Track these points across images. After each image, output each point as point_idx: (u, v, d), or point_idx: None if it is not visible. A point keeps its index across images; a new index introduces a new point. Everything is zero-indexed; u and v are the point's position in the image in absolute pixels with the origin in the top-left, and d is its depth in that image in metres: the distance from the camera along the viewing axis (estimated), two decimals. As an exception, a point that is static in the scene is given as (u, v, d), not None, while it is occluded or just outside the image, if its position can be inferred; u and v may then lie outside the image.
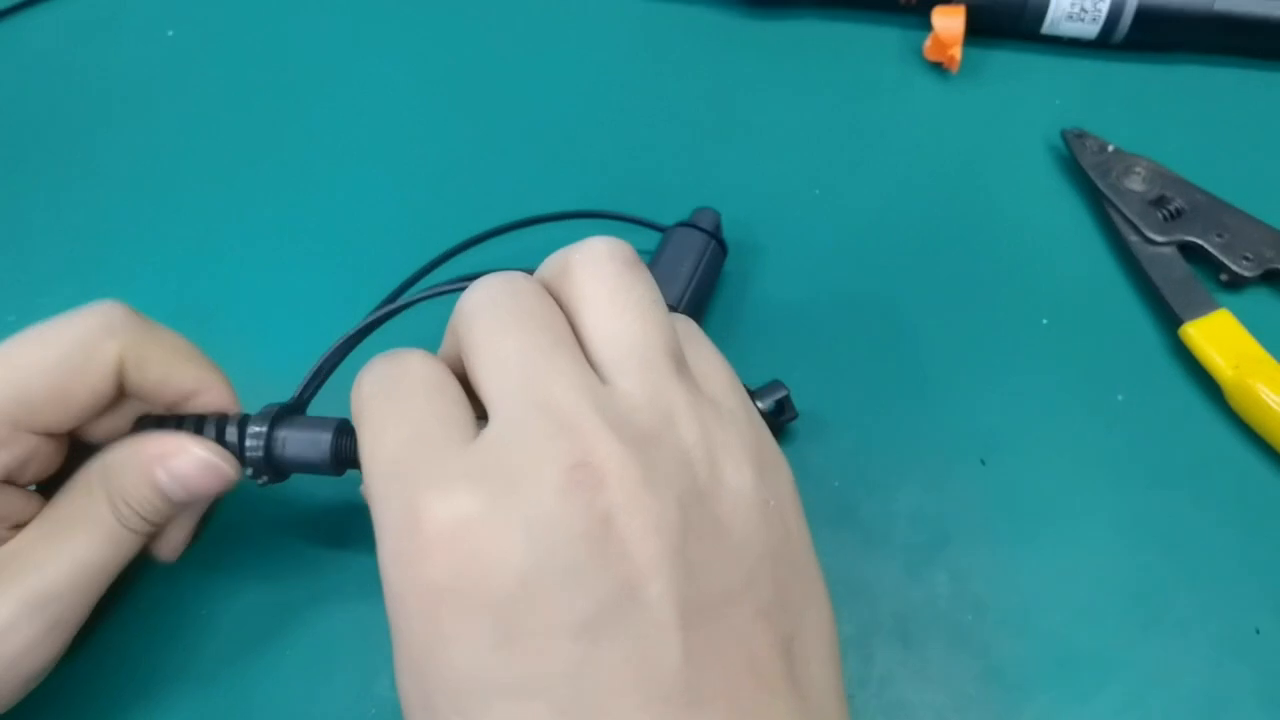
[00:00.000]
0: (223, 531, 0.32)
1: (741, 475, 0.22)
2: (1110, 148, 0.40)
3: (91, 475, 0.26)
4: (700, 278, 0.36)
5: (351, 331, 0.30)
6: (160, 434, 0.27)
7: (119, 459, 0.26)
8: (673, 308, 0.34)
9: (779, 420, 0.33)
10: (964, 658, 0.31)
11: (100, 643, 0.30)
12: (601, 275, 0.23)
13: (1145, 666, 0.30)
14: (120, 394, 0.26)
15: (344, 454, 0.27)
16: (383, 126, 0.44)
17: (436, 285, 0.29)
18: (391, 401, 0.23)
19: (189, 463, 0.26)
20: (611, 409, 0.21)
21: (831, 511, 0.33)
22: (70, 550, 0.25)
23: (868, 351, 0.37)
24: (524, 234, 0.39)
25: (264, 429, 0.27)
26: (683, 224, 0.37)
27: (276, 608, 0.31)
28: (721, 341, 0.37)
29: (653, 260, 0.37)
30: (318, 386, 0.29)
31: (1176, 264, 0.36)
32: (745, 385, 0.32)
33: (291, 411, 0.28)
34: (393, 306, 0.29)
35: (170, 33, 0.49)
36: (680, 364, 0.23)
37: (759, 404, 0.32)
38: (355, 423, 0.24)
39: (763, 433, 0.25)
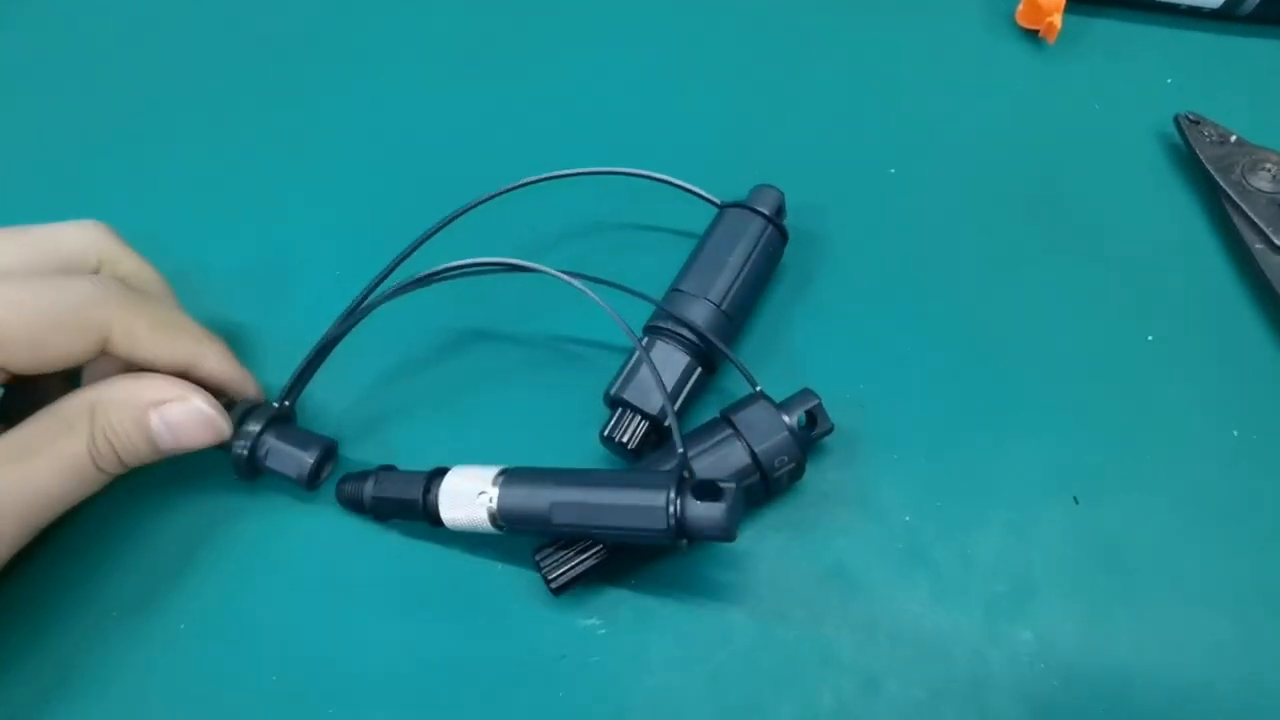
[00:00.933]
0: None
1: None
2: (1233, 138, 0.34)
3: (74, 408, 0.26)
4: (752, 269, 0.31)
5: (331, 329, 0.29)
6: (161, 379, 0.27)
7: (114, 397, 0.26)
8: (715, 304, 0.29)
9: (810, 435, 0.28)
10: (1049, 734, 0.26)
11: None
12: None
13: (1262, 764, 0.26)
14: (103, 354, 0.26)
15: (321, 475, 0.29)
16: (425, 70, 0.40)
17: (407, 280, 0.29)
18: None
19: (187, 412, 0.27)
20: None
21: (900, 552, 0.29)
22: (31, 478, 0.25)
23: (945, 366, 0.32)
24: (558, 187, 0.33)
25: (256, 429, 0.28)
26: (737, 204, 0.32)
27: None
28: (772, 346, 0.33)
29: (699, 244, 0.32)
30: (300, 390, 0.30)
31: (1311, 280, 0.31)
32: (769, 396, 0.28)
33: (283, 418, 0.29)
34: (369, 303, 0.29)
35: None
36: None
37: (785, 416, 0.27)
38: None
39: None
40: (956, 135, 0.37)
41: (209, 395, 0.27)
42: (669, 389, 0.29)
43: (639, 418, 0.29)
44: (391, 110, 0.39)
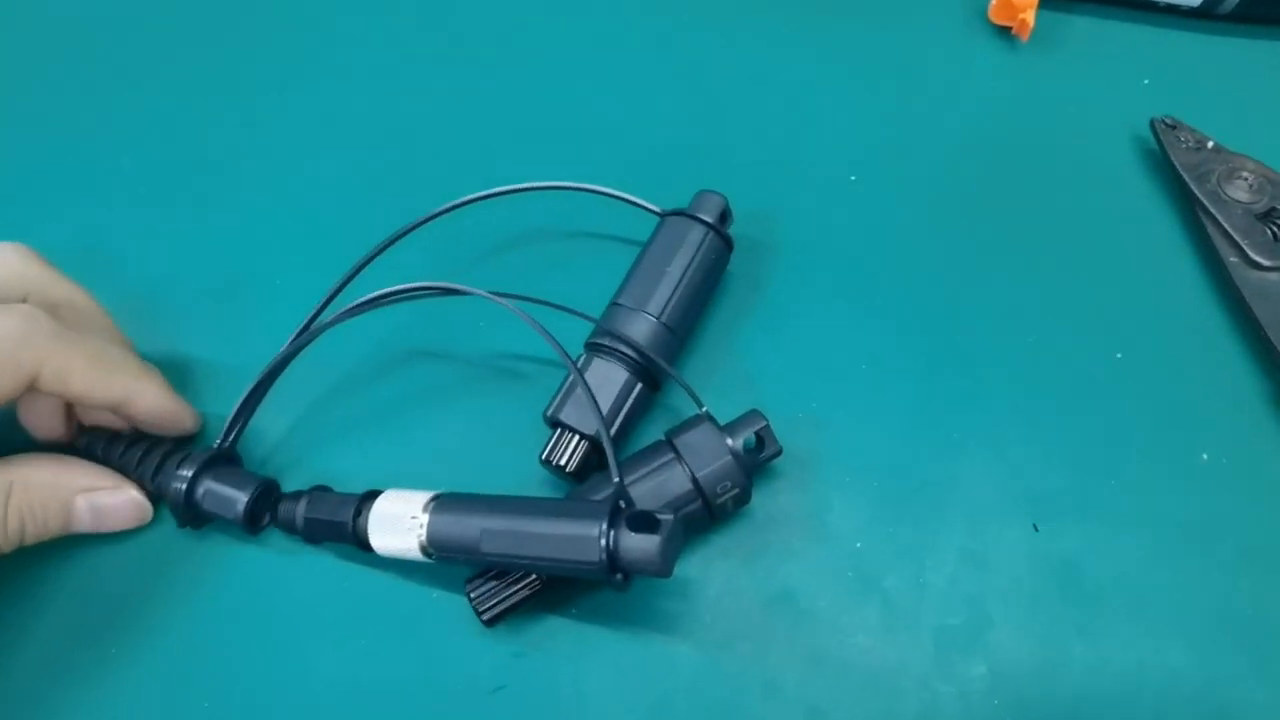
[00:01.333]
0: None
1: None
2: (1210, 143, 0.33)
3: None
4: (692, 279, 0.30)
5: (271, 364, 0.28)
6: (92, 468, 0.28)
7: (39, 479, 0.26)
8: (654, 318, 0.28)
9: (757, 458, 0.27)
10: (999, 773, 0.25)
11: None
12: None
13: (1221, 802, 0.25)
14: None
15: (259, 516, 0.28)
16: (366, 87, 0.38)
17: (347, 307, 0.29)
18: None
19: (118, 500, 0.28)
20: None
21: (850, 580, 0.28)
22: None
23: (903, 384, 0.31)
24: (499, 203, 0.32)
25: (189, 475, 0.27)
26: (678, 212, 0.31)
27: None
28: (720, 362, 0.32)
29: (639, 255, 0.31)
30: (241, 428, 0.29)
31: (1286, 295, 0.30)
32: (714, 418, 0.27)
33: (221, 459, 0.28)
34: (309, 333, 0.28)
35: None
36: None
37: (729, 440, 0.26)
38: None
39: None
40: (920, 139, 0.35)
41: (135, 486, 0.28)
42: (607, 408, 0.28)
43: (578, 439, 0.28)
44: (332, 128, 0.37)
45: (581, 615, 0.27)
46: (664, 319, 0.29)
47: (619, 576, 0.23)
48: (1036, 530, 0.28)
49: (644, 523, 0.23)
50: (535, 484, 0.29)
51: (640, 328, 0.29)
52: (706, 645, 0.27)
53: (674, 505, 0.26)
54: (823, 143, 0.36)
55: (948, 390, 0.30)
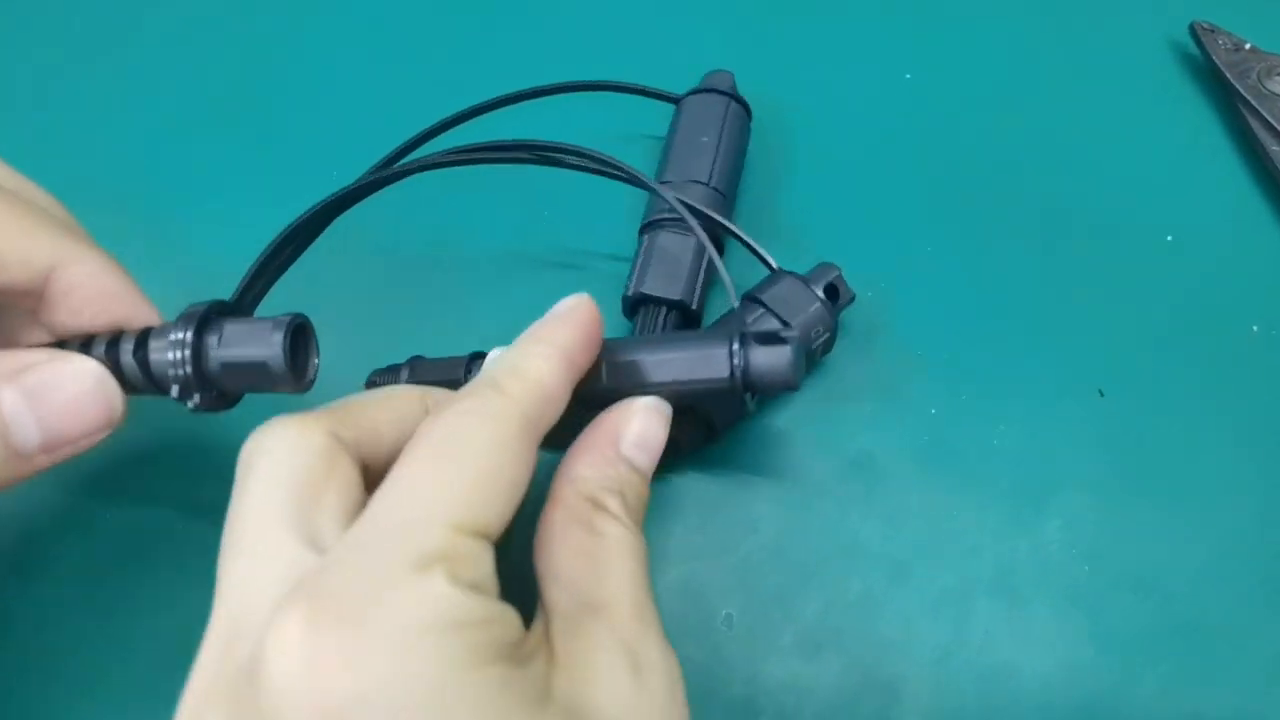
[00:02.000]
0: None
1: None
2: (1247, 45, 0.34)
3: None
4: (727, 146, 0.31)
5: (298, 220, 0.25)
6: (14, 351, 0.20)
7: None
8: (705, 184, 0.29)
9: (835, 305, 0.28)
10: (1076, 618, 0.26)
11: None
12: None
13: (1277, 644, 0.26)
14: None
15: (302, 358, 0.21)
16: None
17: (395, 166, 0.26)
18: None
19: (61, 377, 0.19)
20: None
21: (925, 445, 0.28)
22: None
23: (968, 265, 0.31)
24: (516, 109, 0.31)
25: (186, 334, 0.20)
26: (695, 91, 0.32)
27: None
28: (771, 231, 0.31)
29: (668, 138, 0.31)
30: (265, 288, 0.23)
31: (1326, 180, 0.32)
32: (791, 271, 0.27)
33: (229, 312, 0.21)
34: (349, 188, 0.25)
35: None
36: None
37: (813, 287, 0.27)
38: None
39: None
40: (969, 41, 0.36)
41: (86, 358, 0.20)
42: (687, 272, 0.28)
43: (665, 310, 0.28)
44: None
45: (664, 478, 0.28)
46: (714, 184, 0.29)
47: (749, 397, 0.23)
48: (1102, 395, 0.29)
49: (771, 339, 0.22)
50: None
51: (696, 194, 0.29)
52: (789, 504, 0.27)
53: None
54: (870, 41, 0.36)
55: (1010, 270, 0.31)
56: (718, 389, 0.22)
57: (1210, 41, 0.35)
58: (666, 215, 0.29)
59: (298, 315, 0.21)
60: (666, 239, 0.29)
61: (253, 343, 0.20)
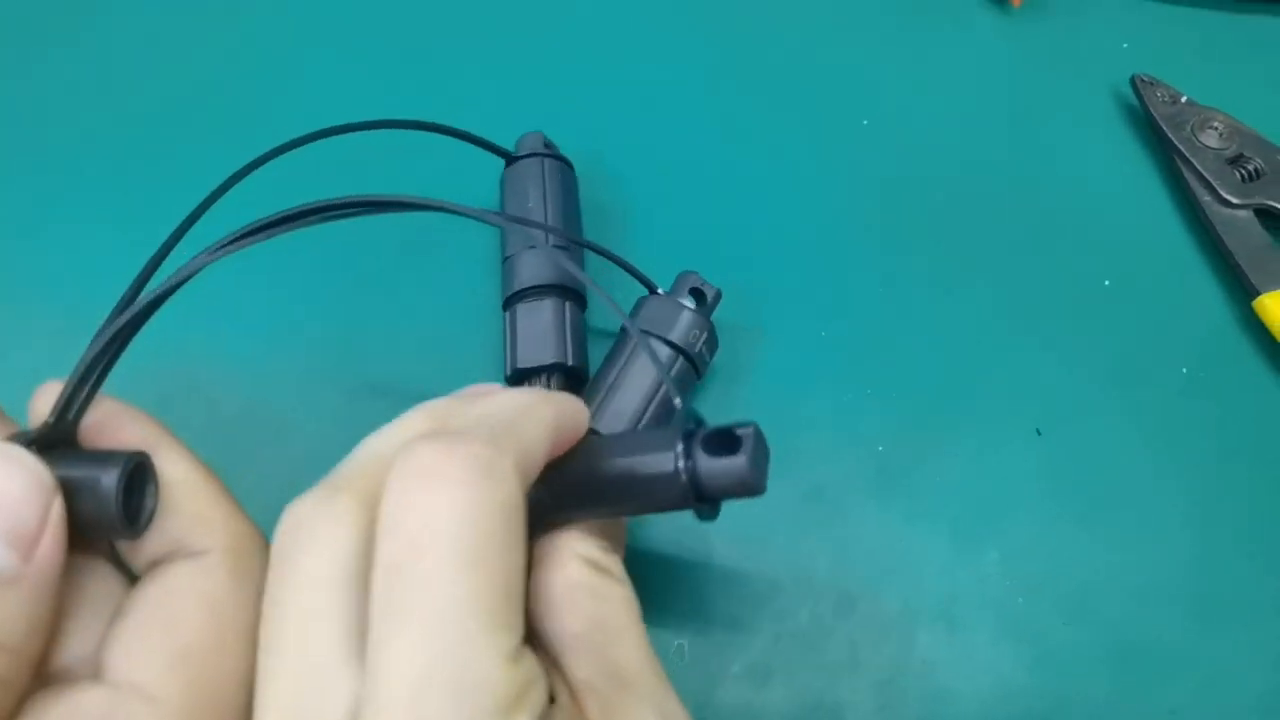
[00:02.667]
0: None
1: None
2: (1184, 98, 0.36)
3: None
4: (554, 205, 0.31)
5: (120, 320, 0.20)
6: None
7: None
8: (544, 244, 0.29)
9: (706, 306, 0.29)
10: (1014, 644, 0.28)
11: None
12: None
13: (1209, 662, 0.28)
14: None
15: (138, 510, 0.19)
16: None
17: (228, 238, 0.21)
18: None
19: None
20: None
21: (876, 478, 0.30)
22: None
23: (915, 309, 0.33)
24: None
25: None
26: (510, 161, 0.32)
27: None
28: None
29: (500, 207, 0.32)
30: (88, 400, 0.20)
31: (1253, 229, 0.33)
32: (656, 292, 0.29)
33: (55, 443, 0.19)
34: (176, 281, 0.20)
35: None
36: None
37: (679, 298, 0.29)
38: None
39: None
40: (922, 93, 0.38)
41: None
42: (555, 336, 0.29)
43: (546, 375, 0.28)
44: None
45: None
46: (552, 241, 0.30)
47: (707, 507, 0.20)
48: (1039, 434, 0.31)
49: (722, 442, 0.19)
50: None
51: (539, 255, 0.29)
52: (742, 540, 0.29)
53: (665, 367, 0.28)
54: (831, 92, 0.38)
55: (955, 313, 0.33)
56: (671, 507, 0.20)
57: (1149, 94, 0.37)
58: (524, 285, 0.30)
59: (135, 454, 0.19)
60: (526, 309, 0.29)
61: (86, 491, 0.18)
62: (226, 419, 0.31)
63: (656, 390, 0.27)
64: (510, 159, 0.32)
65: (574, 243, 0.31)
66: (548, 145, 0.33)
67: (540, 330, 0.29)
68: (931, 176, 0.36)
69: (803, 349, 0.32)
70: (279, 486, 0.20)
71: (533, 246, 0.30)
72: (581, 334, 0.30)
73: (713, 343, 0.29)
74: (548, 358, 0.28)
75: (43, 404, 0.19)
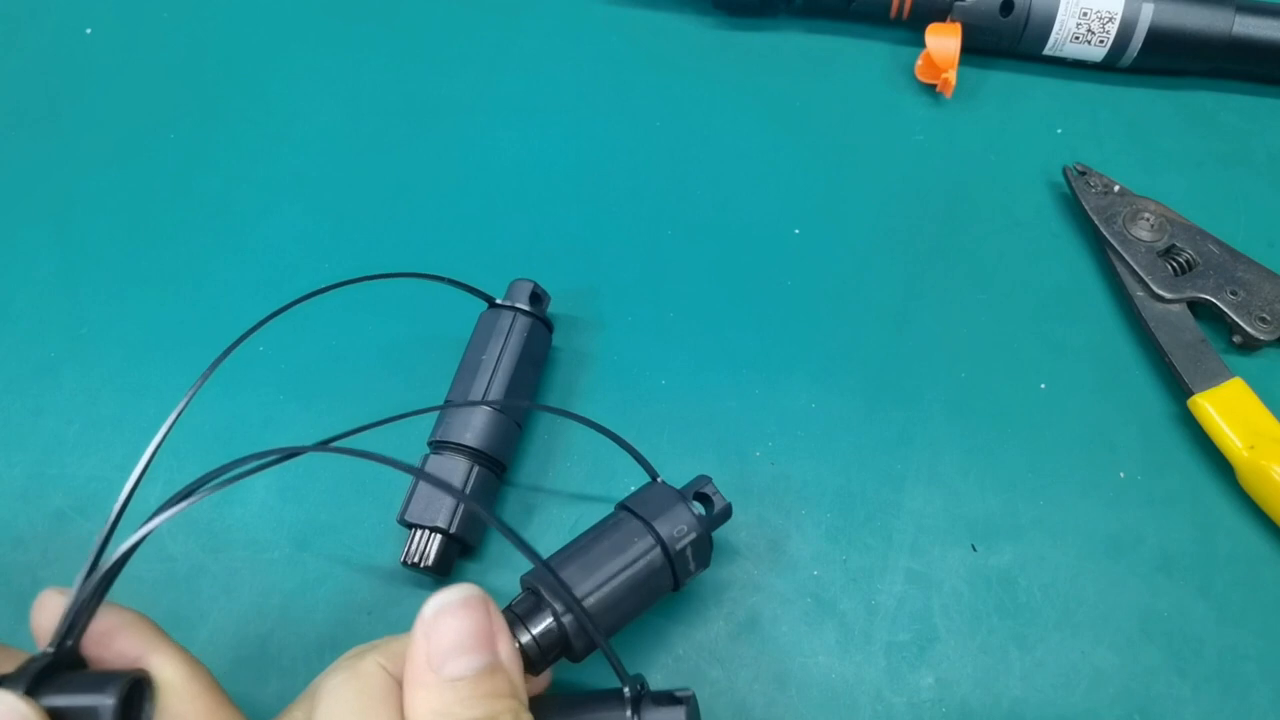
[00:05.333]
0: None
1: None
2: (1116, 187, 0.36)
3: None
4: (508, 363, 0.32)
5: (109, 561, 0.22)
6: None
7: None
8: (482, 403, 0.30)
9: (710, 515, 0.28)
10: (951, 773, 0.28)
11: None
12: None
13: (1147, 788, 0.27)
14: None
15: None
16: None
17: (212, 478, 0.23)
18: None
19: None
20: None
21: (809, 605, 0.30)
22: None
23: (845, 422, 0.33)
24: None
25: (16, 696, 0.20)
26: (493, 303, 0.33)
27: None
28: (675, 420, 0.32)
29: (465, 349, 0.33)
30: (85, 624, 0.22)
31: (1186, 325, 0.33)
32: (665, 482, 0.28)
33: (58, 668, 0.21)
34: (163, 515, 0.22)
35: (88, 30, 0.44)
36: None
37: (685, 494, 0.28)
38: None
39: None
40: (854, 191, 0.38)
41: None
42: (455, 506, 0.29)
43: (427, 534, 0.29)
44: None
45: (564, 651, 0.30)
46: (492, 404, 0.31)
47: None
48: (975, 550, 0.31)
49: (663, 702, 0.24)
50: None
51: (474, 415, 0.30)
52: (679, 675, 0.29)
53: (637, 558, 0.26)
54: (759, 194, 0.38)
55: (887, 426, 0.33)
56: None
57: (1081, 186, 0.37)
58: (438, 439, 0.31)
59: (131, 674, 0.21)
60: (436, 461, 0.30)
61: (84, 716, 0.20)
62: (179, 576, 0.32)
63: (622, 571, 0.26)
64: (491, 304, 0.33)
65: (513, 406, 0.31)
66: (536, 297, 0.33)
67: (436, 489, 0.29)
68: (859, 278, 0.36)
69: (742, 473, 0.32)
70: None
71: (470, 401, 0.31)
72: (479, 500, 0.30)
73: (702, 554, 0.27)
74: (434, 520, 0.29)
75: (43, 617, 0.22)
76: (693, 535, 0.27)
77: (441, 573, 0.30)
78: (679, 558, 0.27)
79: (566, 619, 0.25)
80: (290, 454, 0.24)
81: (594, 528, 0.28)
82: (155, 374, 0.35)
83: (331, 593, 0.31)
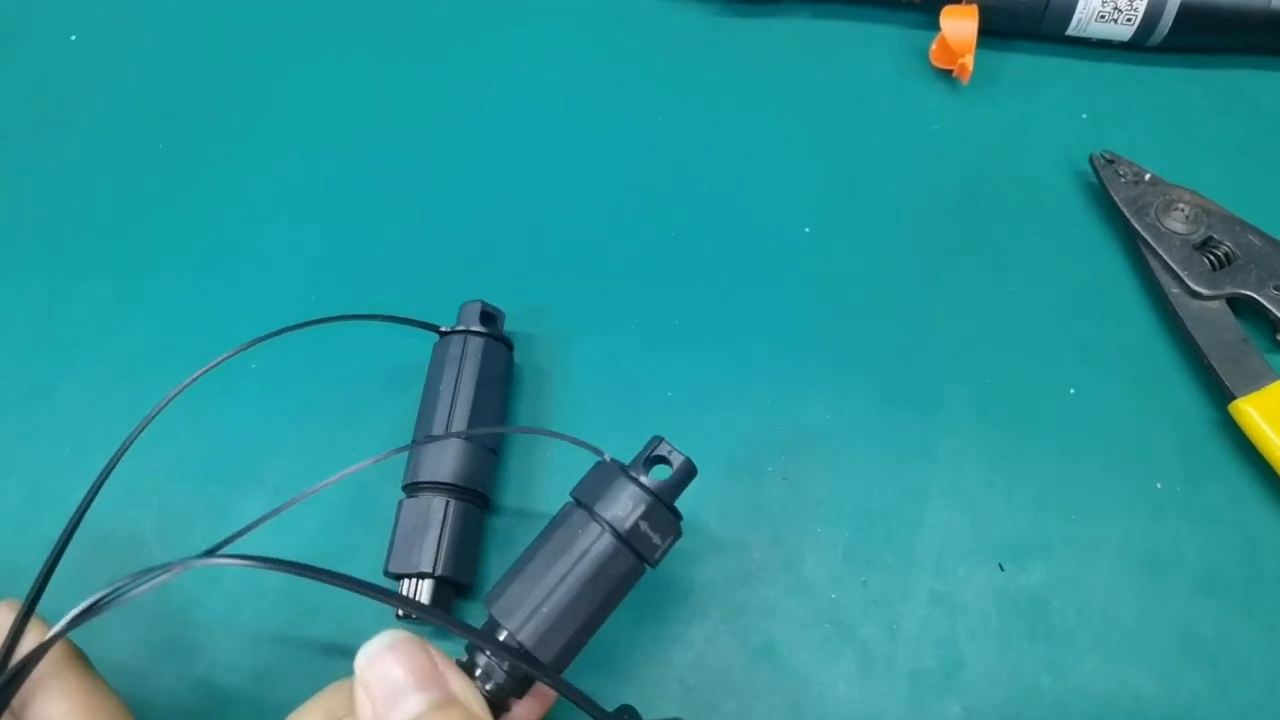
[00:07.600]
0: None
1: None
2: (1147, 175, 0.34)
3: None
4: (467, 390, 0.30)
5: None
6: None
7: None
8: (448, 435, 0.29)
9: (670, 479, 0.25)
10: (980, 808, 0.26)
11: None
12: None
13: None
14: None
15: None
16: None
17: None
18: None
19: None
20: None
21: (827, 631, 0.29)
22: None
23: (864, 431, 0.32)
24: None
25: None
26: (441, 330, 0.31)
27: None
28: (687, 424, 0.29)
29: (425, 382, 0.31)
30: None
31: (1226, 323, 0.31)
32: (611, 459, 0.25)
33: None
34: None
35: (73, 37, 0.43)
36: None
37: (631, 470, 0.24)
38: None
39: None
40: (871, 186, 0.36)
41: None
42: (433, 539, 0.28)
43: (416, 581, 0.28)
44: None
45: (566, 673, 0.28)
46: (458, 434, 0.29)
47: None
48: (1002, 569, 0.29)
49: None
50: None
51: (443, 448, 0.29)
52: (691, 707, 0.28)
53: (584, 551, 0.24)
54: (770, 189, 0.37)
55: (907, 437, 0.31)
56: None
57: (1109, 175, 0.34)
58: (410, 480, 0.29)
59: None
60: (410, 505, 0.29)
61: None
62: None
63: (570, 572, 0.24)
64: (441, 334, 0.32)
65: (480, 433, 0.30)
66: (487, 316, 0.32)
67: (416, 533, 0.28)
68: (877, 277, 0.34)
69: (758, 495, 0.31)
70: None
71: (432, 436, 0.29)
72: (463, 536, 0.29)
73: (663, 526, 0.24)
74: (418, 566, 0.28)
75: None
76: (641, 508, 0.24)
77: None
78: (634, 535, 0.24)
79: (505, 664, 0.23)
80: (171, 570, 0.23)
81: (544, 528, 0.25)
82: (149, 395, 0.34)
83: (328, 623, 0.30)
